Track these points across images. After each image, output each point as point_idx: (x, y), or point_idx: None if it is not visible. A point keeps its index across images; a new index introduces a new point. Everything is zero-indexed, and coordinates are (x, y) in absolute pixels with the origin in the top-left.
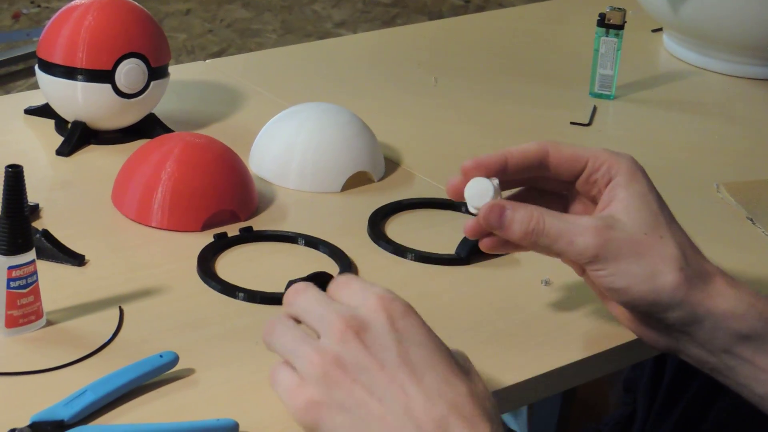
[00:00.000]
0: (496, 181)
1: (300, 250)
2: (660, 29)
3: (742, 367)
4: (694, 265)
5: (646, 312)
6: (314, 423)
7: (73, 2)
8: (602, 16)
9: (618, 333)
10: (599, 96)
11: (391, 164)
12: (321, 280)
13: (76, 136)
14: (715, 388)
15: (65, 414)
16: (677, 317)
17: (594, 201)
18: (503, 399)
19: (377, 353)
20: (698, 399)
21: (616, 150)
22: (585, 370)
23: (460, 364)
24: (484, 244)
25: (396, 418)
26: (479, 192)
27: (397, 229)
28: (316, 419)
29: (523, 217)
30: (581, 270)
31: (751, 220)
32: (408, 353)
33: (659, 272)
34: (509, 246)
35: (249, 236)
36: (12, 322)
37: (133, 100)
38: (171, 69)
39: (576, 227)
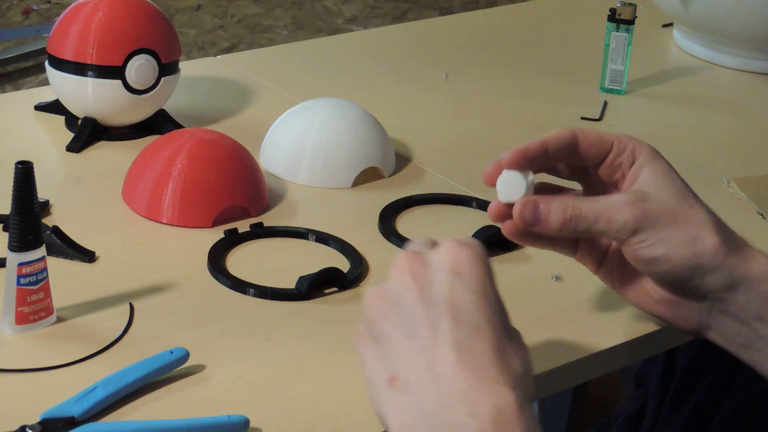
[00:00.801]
0: (531, 176)
1: (310, 246)
2: (670, 24)
3: None
4: (728, 231)
5: (685, 280)
6: (359, 357)
7: None
8: (613, 11)
9: (630, 328)
10: (610, 91)
11: (402, 160)
12: (331, 276)
13: (87, 132)
14: (726, 384)
15: (76, 410)
16: (715, 282)
17: (616, 186)
18: None
19: (424, 288)
20: (709, 394)
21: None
22: (596, 365)
23: (508, 326)
24: (506, 229)
25: (414, 357)
26: (511, 186)
27: (408, 224)
28: (359, 353)
29: (558, 207)
30: (596, 267)
31: (762, 215)
32: (456, 295)
33: (698, 237)
34: (530, 238)
35: (259, 232)
36: (22, 319)
37: (143, 96)
38: (181, 65)
39: (612, 205)
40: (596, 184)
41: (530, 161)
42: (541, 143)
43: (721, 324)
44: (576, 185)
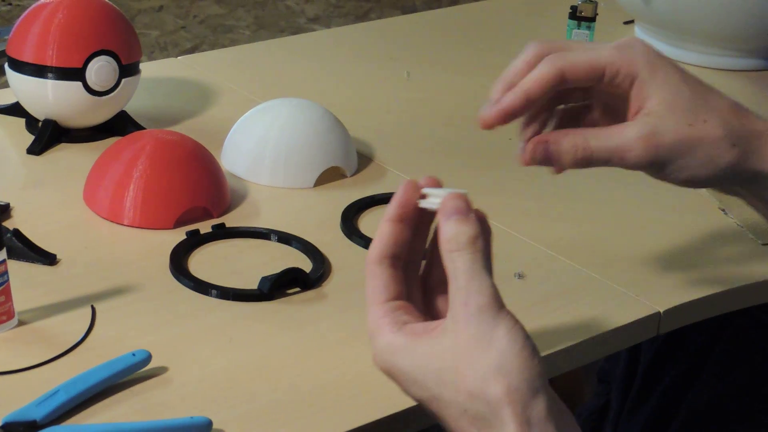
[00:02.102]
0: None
1: (273, 246)
2: (632, 21)
3: None
4: (744, 132)
5: (715, 184)
6: None
7: (43, 0)
8: (574, 8)
9: (592, 325)
10: None
11: (364, 159)
12: (294, 276)
13: (47, 135)
14: (689, 380)
15: (38, 414)
16: (737, 182)
17: (622, 99)
18: None
19: None
20: (672, 390)
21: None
22: (559, 362)
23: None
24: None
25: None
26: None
27: (370, 223)
28: None
29: (567, 148)
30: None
31: (724, 210)
32: None
33: (716, 156)
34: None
35: (221, 233)
36: None
37: (104, 97)
38: (143, 66)
39: (623, 142)
40: (606, 100)
41: (520, 115)
42: (524, 96)
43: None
44: None
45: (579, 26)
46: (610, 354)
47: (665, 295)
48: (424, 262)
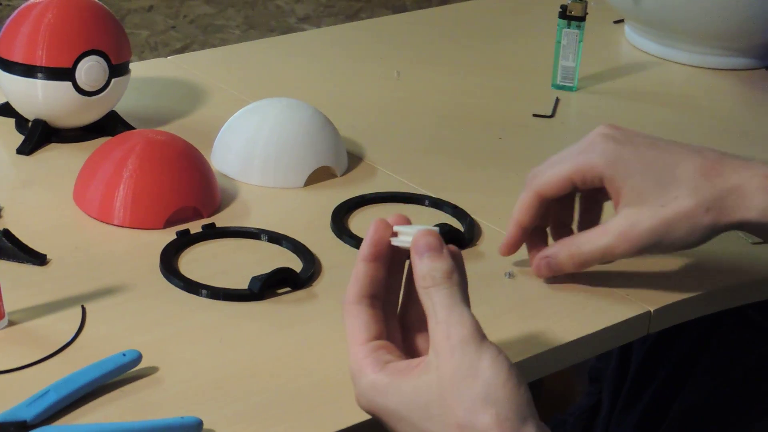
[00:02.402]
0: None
1: (263, 246)
2: (621, 20)
3: None
4: (716, 194)
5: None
6: None
7: (32, 0)
8: (564, 8)
9: (584, 324)
10: (562, 88)
11: (354, 159)
12: (284, 276)
13: (37, 135)
14: (681, 379)
15: (28, 414)
16: (709, 236)
17: (602, 194)
18: None
19: None
20: (664, 389)
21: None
22: (550, 362)
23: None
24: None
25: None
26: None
27: (360, 223)
28: None
29: (565, 259)
30: None
31: None
32: None
33: (694, 224)
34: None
35: (211, 233)
36: None
37: (93, 97)
38: (133, 66)
39: (607, 242)
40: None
41: (522, 242)
42: (517, 227)
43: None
44: None
45: (569, 25)
46: (601, 353)
47: (656, 294)
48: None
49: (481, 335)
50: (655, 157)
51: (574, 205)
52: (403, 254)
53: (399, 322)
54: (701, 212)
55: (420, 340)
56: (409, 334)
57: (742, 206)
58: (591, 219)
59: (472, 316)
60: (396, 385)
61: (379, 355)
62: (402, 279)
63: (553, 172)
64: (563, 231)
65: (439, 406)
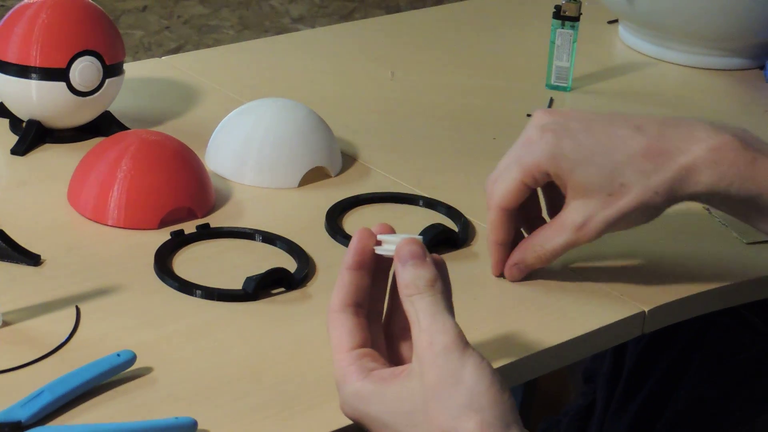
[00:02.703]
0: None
1: (257, 246)
2: (615, 21)
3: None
4: (659, 176)
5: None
6: None
7: (26, 0)
8: (558, 8)
9: (578, 324)
10: (556, 88)
11: (348, 159)
12: (278, 276)
13: (31, 135)
14: (675, 379)
15: (22, 415)
16: (664, 211)
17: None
18: None
19: None
20: (658, 389)
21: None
22: (545, 362)
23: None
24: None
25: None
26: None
27: (354, 223)
28: None
29: (533, 261)
30: None
31: (708, 209)
32: None
33: (647, 208)
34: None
35: (206, 233)
36: None
37: (88, 98)
38: (127, 66)
39: (568, 237)
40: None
41: (508, 254)
42: (498, 246)
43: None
44: None
45: (563, 26)
46: (595, 354)
47: (650, 294)
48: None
49: (464, 343)
50: (593, 144)
51: (538, 198)
52: (387, 263)
53: (383, 330)
54: (650, 195)
55: (404, 349)
56: (394, 342)
57: (691, 182)
58: (558, 204)
59: (455, 324)
60: (380, 392)
61: (363, 363)
62: (386, 287)
63: (506, 183)
64: (536, 222)
65: (423, 413)
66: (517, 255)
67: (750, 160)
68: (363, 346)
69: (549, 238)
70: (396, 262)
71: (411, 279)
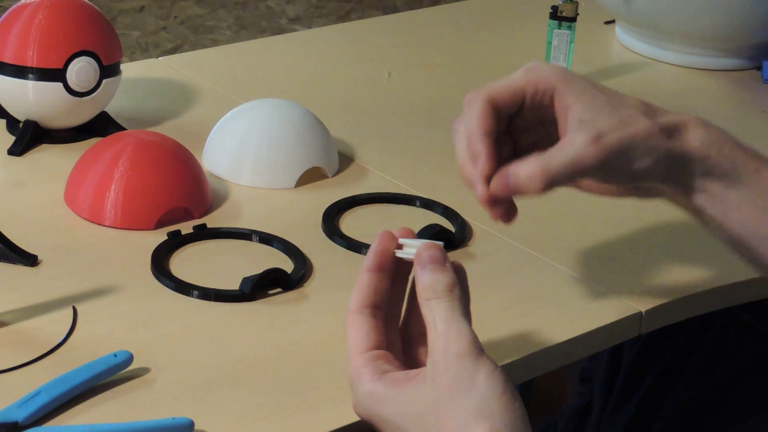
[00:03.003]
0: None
1: (254, 246)
2: (612, 21)
3: (714, 205)
4: (664, 119)
5: (663, 174)
6: None
7: (23, 0)
8: (555, 8)
9: (575, 324)
10: None
11: (345, 159)
12: (275, 276)
13: (28, 136)
14: (671, 379)
15: (19, 415)
16: (669, 175)
17: (552, 121)
18: None
19: None
20: (655, 390)
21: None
22: (542, 362)
23: None
24: (495, 215)
25: None
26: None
27: (351, 224)
28: None
29: (528, 172)
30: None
31: None
32: None
33: (654, 146)
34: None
35: (203, 234)
36: None
37: (85, 98)
38: (124, 67)
39: (577, 151)
40: (532, 127)
41: (496, 155)
42: (485, 137)
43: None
44: None
45: (560, 26)
46: (592, 354)
47: (647, 295)
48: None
49: (478, 349)
50: (599, 86)
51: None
52: (406, 266)
53: (401, 333)
54: (657, 132)
55: (421, 352)
56: (411, 345)
57: (688, 136)
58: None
59: (471, 330)
60: (392, 394)
61: (378, 365)
62: (405, 291)
63: (505, 81)
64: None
65: (434, 417)
66: (514, 167)
67: (734, 139)
68: (378, 347)
69: (554, 155)
70: (416, 265)
71: (429, 283)
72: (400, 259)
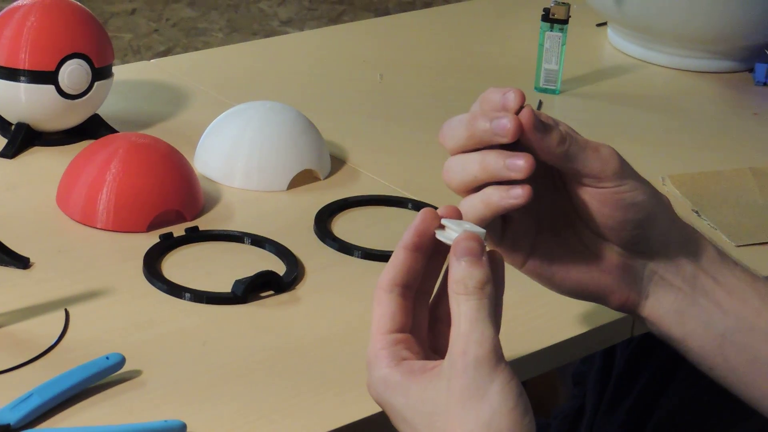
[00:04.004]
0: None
1: (246, 249)
2: (604, 23)
3: (706, 300)
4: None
5: (649, 230)
6: None
7: (15, 3)
8: (547, 11)
9: (567, 327)
10: (545, 91)
11: (337, 162)
12: (267, 279)
13: (20, 138)
14: (663, 382)
15: (11, 418)
16: (670, 235)
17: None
18: None
19: None
20: (647, 393)
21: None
22: (534, 364)
23: None
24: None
25: None
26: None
27: (343, 226)
28: None
29: (552, 127)
30: (524, 257)
31: (697, 212)
32: None
33: (656, 192)
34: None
35: (195, 236)
36: None
37: (77, 101)
38: (116, 69)
39: (594, 141)
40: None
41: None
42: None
43: (659, 290)
44: None
45: (552, 28)
46: (585, 356)
47: None
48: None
49: (497, 357)
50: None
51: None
52: (446, 247)
53: (430, 310)
54: (667, 198)
55: (446, 333)
56: (438, 326)
57: (700, 244)
58: None
59: (494, 335)
60: (405, 385)
61: (397, 350)
62: (441, 269)
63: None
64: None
65: (442, 419)
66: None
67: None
68: (402, 330)
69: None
70: (451, 254)
71: (461, 277)
72: (440, 240)
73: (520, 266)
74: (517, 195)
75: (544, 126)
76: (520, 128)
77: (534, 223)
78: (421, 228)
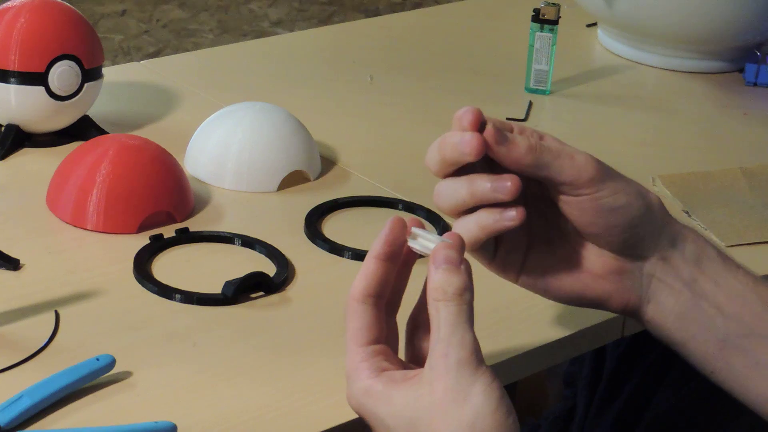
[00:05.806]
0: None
1: (236, 250)
2: (594, 24)
3: (707, 303)
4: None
5: (638, 233)
6: None
7: (4, 4)
8: (537, 11)
9: (557, 327)
10: (535, 91)
11: (328, 163)
12: (257, 280)
13: (10, 140)
14: (654, 383)
15: (1, 420)
16: (661, 237)
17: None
18: None
19: None
20: (638, 393)
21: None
22: (524, 365)
23: None
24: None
25: None
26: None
27: (333, 227)
28: None
29: (522, 137)
30: (518, 270)
31: (687, 212)
32: None
33: (642, 191)
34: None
35: (185, 237)
36: None
37: (66, 102)
38: (106, 70)
39: (572, 150)
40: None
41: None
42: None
43: (660, 293)
44: None
45: (542, 29)
46: (575, 357)
47: None
48: (417, 300)
49: (478, 360)
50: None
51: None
52: (414, 257)
53: (411, 320)
54: (657, 198)
55: (426, 341)
56: (419, 333)
57: (699, 246)
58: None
59: (474, 339)
60: (388, 394)
61: (377, 362)
62: (407, 279)
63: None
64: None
65: (426, 424)
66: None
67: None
68: (378, 341)
69: (549, 138)
70: (431, 263)
71: (440, 284)
72: (409, 248)
73: (514, 281)
74: (512, 217)
75: (505, 138)
76: (482, 144)
77: (525, 239)
78: (390, 237)
